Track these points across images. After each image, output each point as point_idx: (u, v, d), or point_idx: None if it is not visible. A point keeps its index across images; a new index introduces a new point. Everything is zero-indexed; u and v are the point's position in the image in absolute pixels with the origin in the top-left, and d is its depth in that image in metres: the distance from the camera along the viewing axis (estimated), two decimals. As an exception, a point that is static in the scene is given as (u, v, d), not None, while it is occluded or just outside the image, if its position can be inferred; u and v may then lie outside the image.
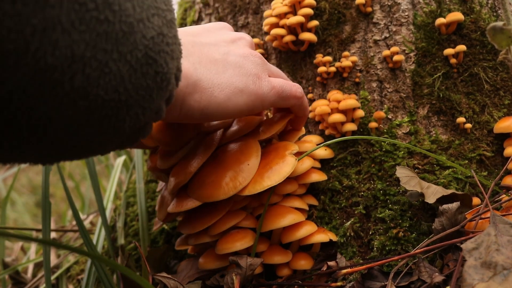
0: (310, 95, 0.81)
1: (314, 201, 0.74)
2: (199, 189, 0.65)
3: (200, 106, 0.52)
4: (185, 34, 0.55)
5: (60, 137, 0.37)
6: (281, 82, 0.62)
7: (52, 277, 0.95)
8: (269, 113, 0.75)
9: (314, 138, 0.78)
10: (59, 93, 0.33)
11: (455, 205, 0.63)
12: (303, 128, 0.74)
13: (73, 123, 0.36)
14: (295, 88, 0.64)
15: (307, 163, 0.69)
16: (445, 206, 0.64)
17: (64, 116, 0.35)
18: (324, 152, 0.75)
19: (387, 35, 0.78)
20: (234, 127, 0.70)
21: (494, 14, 0.79)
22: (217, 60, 0.55)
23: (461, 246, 0.53)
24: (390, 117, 0.76)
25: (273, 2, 0.81)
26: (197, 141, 0.69)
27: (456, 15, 0.74)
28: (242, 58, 0.58)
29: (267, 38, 0.83)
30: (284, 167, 0.64)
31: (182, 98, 0.50)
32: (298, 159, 0.67)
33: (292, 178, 0.71)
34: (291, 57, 0.84)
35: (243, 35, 0.63)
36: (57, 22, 0.31)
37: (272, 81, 0.61)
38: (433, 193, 0.67)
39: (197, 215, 0.68)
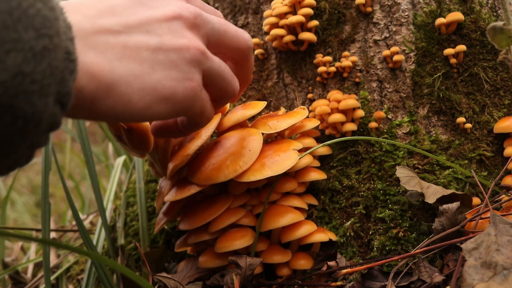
0: (310, 95, 0.81)
1: (314, 201, 0.74)
2: (199, 172, 0.65)
3: (113, 112, 0.43)
4: (107, 12, 0.44)
5: None
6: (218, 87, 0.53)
7: (52, 277, 0.95)
8: (280, 110, 0.75)
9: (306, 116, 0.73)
10: None
11: (455, 205, 0.63)
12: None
13: None
14: (235, 89, 0.56)
15: (305, 158, 0.70)
16: (445, 206, 0.64)
17: None
18: (322, 149, 0.75)
19: (387, 35, 0.78)
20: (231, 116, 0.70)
21: (494, 14, 0.79)
22: (144, 58, 0.45)
23: (461, 246, 0.53)
24: (390, 117, 0.76)
25: (273, 2, 0.81)
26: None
27: (456, 15, 0.74)
28: (176, 56, 0.47)
29: (267, 38, 0.83)
30: (286, 160, 0.65)
31: (90, 102, 0.41)
32: (301, 156, 0.68)
33: (291, 176, 0.71)
34: (291, 57, 0.84)
35: (181, 11, 0.49)
36: None
37: (205, 94, 0.52)
38: (433, 193, 0.67)
39: (197, 212, 0.68)
